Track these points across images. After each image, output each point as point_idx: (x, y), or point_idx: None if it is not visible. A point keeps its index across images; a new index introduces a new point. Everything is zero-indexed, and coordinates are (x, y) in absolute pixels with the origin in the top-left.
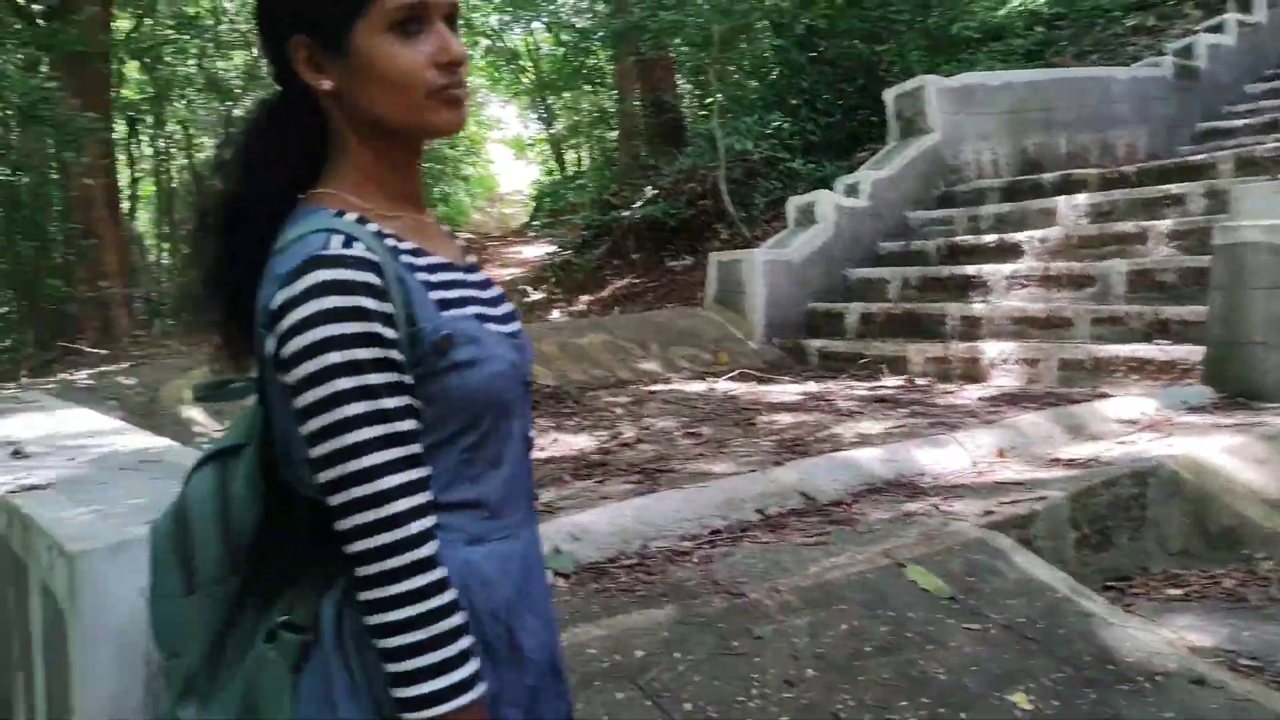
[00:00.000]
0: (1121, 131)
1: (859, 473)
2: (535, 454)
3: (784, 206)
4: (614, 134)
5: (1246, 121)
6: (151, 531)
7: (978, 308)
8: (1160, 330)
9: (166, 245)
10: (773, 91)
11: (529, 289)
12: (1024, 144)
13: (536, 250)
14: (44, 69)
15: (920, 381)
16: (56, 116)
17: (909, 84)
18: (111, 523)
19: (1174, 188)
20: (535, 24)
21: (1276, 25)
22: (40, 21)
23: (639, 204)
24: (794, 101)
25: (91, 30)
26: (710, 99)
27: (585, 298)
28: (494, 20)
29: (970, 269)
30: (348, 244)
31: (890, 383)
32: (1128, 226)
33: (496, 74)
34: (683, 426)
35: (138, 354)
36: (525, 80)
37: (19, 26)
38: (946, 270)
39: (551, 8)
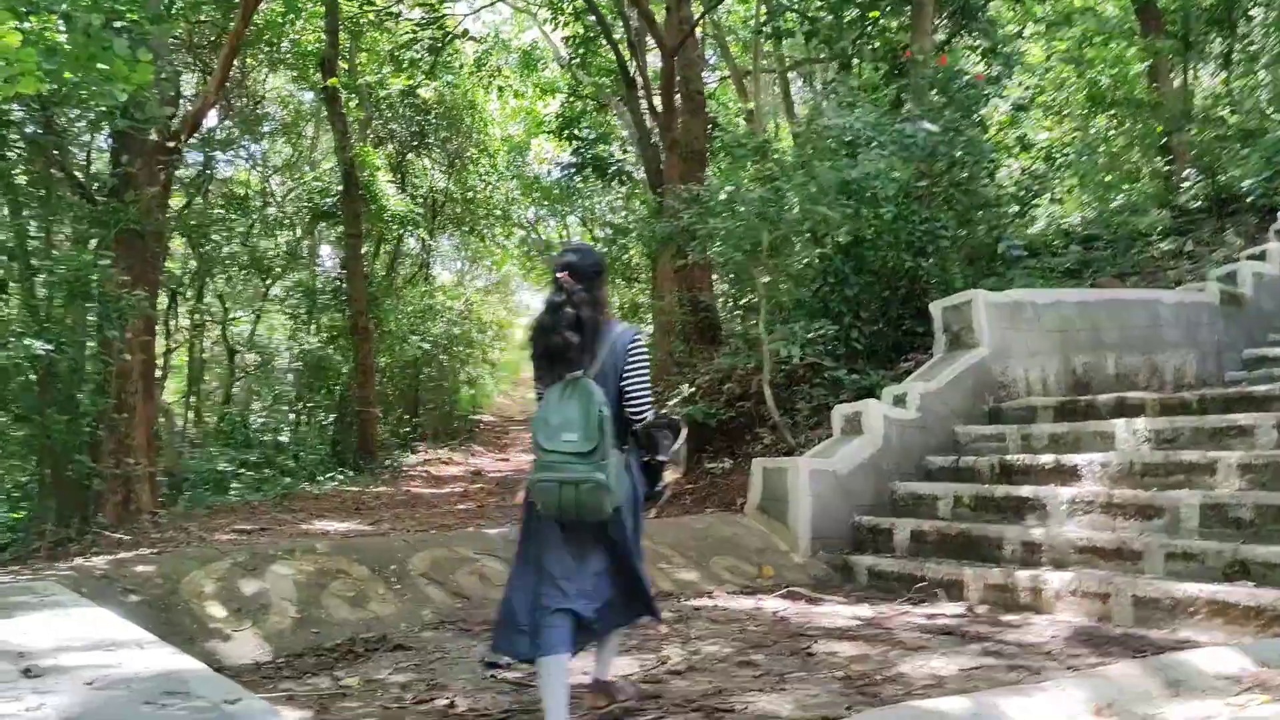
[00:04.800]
0: (1170, 355)
1: None
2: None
3: (826, 414)
4: (648, 329)
5: None
6: (600, 418)
7: (1037, 533)
8: (1240, 571)
9: (193, 415)
10: (816, 298)
11: None
12: (1073, 363)
13: None
14: (93, 244)
15: (980, 610)
16: (105, 293)
17: (957, 297)
18: None
19: (1241, 418)
20: (570, 218)
21: None
22: (99, 199)
23: (674, 401)
24: (838, 309)
25: (148, 209)
26: (745, 300)
27: None
28: (531, 213)
29: (1026, 490)
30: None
31: (949, 610)
32: (1193, 456)
33: (529, 263)
34: (736, 653)
35: (158, 537)
36: None
37: (76, 202)
38: (1001, 490)
39: (586, 204)
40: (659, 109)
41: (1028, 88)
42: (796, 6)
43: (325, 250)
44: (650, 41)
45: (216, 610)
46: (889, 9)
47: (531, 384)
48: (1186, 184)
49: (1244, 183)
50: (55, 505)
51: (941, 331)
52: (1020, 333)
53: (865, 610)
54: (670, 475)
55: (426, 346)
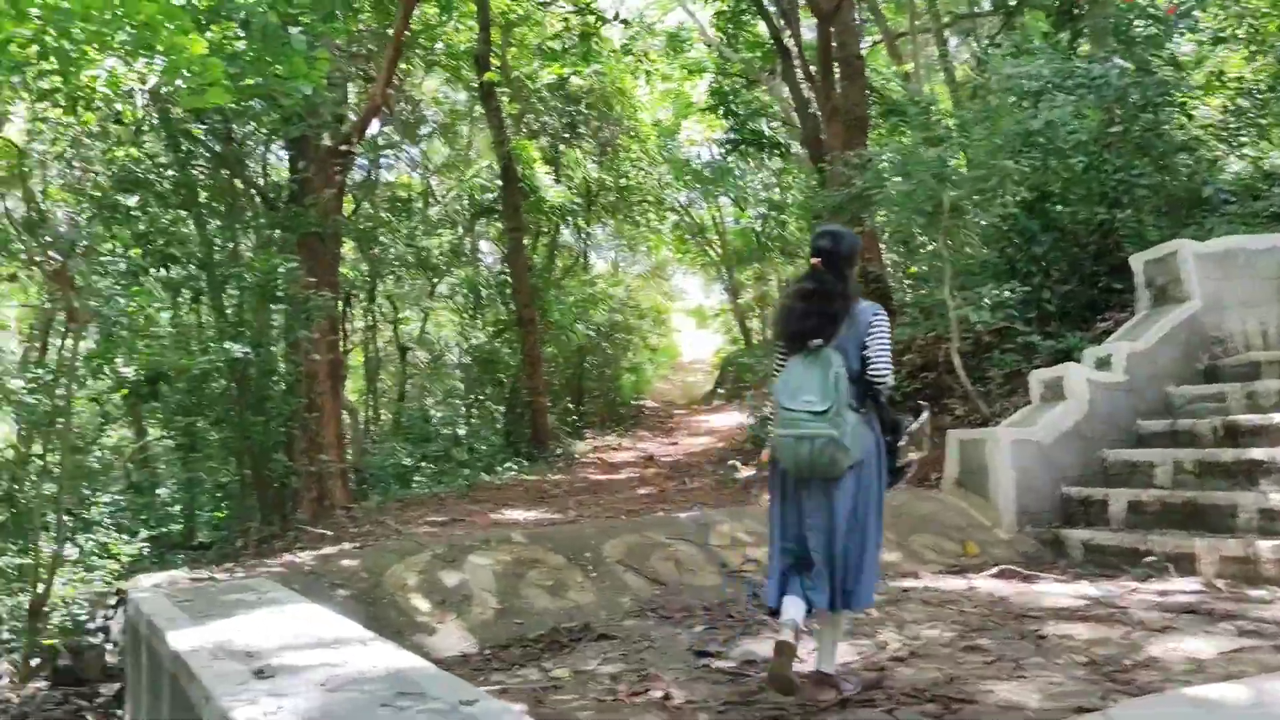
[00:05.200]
0: None
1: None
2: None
3: (1020, 381)
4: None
5: None
6: (837, 378)
7: (1277, 498)
8: None
9: (371, 413)
10: (1003, 259)
11: (738, 464)
12: None
13: (724, 419)
14: (276, 249)
15: (1219, 584)
16: (293, 295)
17: (1160, 249)
18: None
19: None
20: (723, 199)
21: None
22: (280, 206)
23: None
24: (1026, 269)
25: (326, 212)
26: (913, 269)
27: None
28: (683, 196)
29: (1259, 453)
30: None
31: (1183, 586)
32: None
33: (683, 247)
34: (958, 637)
35: (355, 532)
36: (711, 253)
37: (259, 209)
38: (1229, 454)
39: (740, 183)
40: (815, 78)
41: (1225, 19)
42: None
43: (485, 246)
44: (801, 12)
45: (420, 603)
46: None
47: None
48: None
49: None
50: (257, 504)
51: (1144, 287)
52: (1233, 283)
53: (1088, 588)
54: (914, 454)
55: (592, 334)
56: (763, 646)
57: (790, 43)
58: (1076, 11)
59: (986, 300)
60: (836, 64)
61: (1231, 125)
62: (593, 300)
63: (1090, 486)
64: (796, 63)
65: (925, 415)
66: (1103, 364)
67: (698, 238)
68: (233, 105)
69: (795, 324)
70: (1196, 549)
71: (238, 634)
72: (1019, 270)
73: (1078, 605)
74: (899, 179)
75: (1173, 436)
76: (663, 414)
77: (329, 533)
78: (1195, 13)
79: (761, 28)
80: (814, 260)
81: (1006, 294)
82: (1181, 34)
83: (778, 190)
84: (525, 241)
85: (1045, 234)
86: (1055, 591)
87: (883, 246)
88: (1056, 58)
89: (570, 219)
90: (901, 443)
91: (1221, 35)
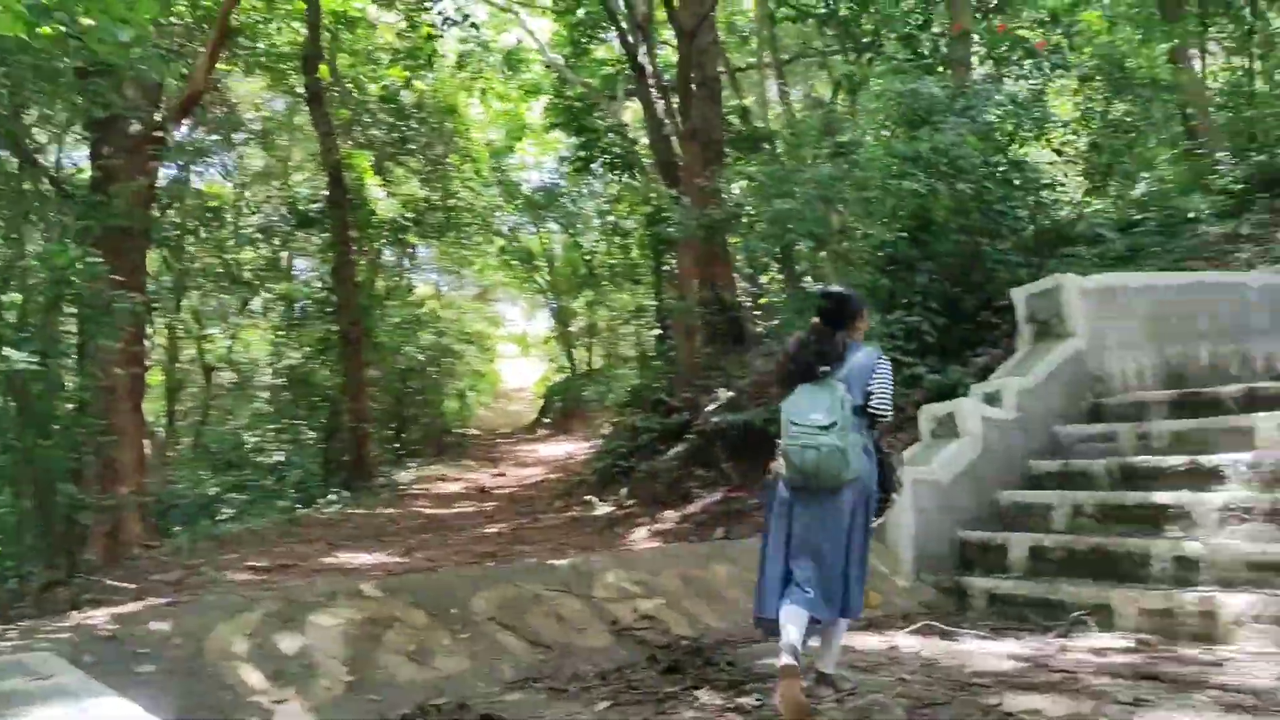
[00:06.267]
0: (1259, 342)
1: None
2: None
3: (902, 415)
4: (653, 331)
5: None
6: (842, 400)
7: (1192, 547)
8: None
9: (170, 439)
10: (882, 289)
11: (593, 500)
12: (1166, 353)
13: (553, 449)
14: (71, 244)
15: (1152, 641)
16: (93, 296)
17: (1042, 283)
18: None
19: None
20: (552, 224)
21: None
22: (75, 195)
23: (712, 407)
24: (907, 299)
25: (133, 206)
26: (765, 299)
27: (671, 513)
28: (511, 220)
29: (1164, 497)
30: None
31: (1115, 643)
32: None
33: (510, 271)
34: (909, 715)
35: (163, 580)
36: (539, 279)
37: (52, 197)
38: (1132, 497)
39: (572, 208)
40: (670, 98)
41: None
42: None
43: (304, 264)
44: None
45: (252, 676)
46: None
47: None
48: (1223, 166)
49: None
50: (39, 543)
51: (1025, 321)
52: (1113, 321)
53: (1016, 646)
54: (895, 490)
55: (421, 358)
56: None
57: (645, 60)
58: (935, 47)
59: (872, 330)
60: (695, 85)
61: (1099, 163)
62: (419, 322)
63: (988, 530)
64: (652, 81)
65: (901, 456)
66: (992, 400)
67: (526, 263)
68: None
69: (801, 359)
70: (1114, 601)
71: None
72: (899, 301)
73: (1016, 668)
74: (781, 200)
75: (1067, 478)
76: (486, 443)
77: (129, 585)
78: (1064, 50)
79: (604, 50)
80: (814, 320)
81: (893, 325)
82: (1053, 67)
83: (615, 212)
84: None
85: (925, 263)
86: (984, 650)
87: (735, 275)
88: (939, 80)
89: (400, 235)
90: (896, 474)
91: (1087, 75)
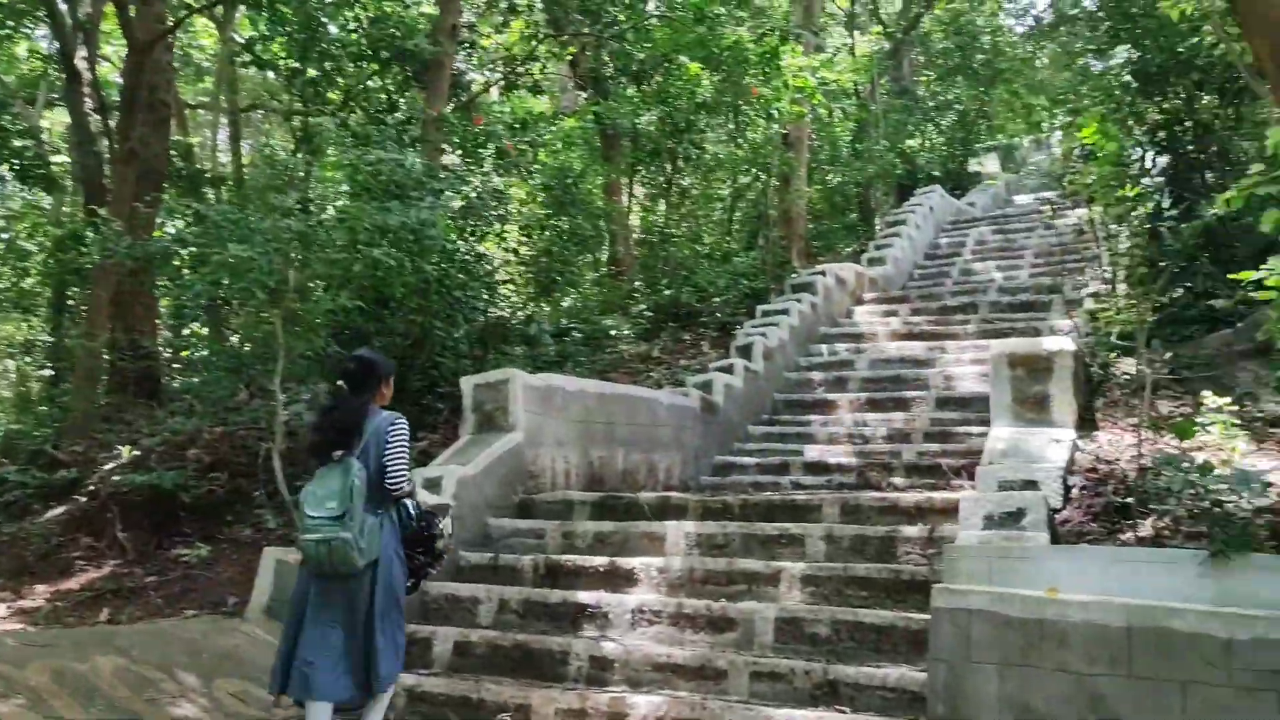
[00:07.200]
0: (663, 454)
1: None
2: None
3: None
4: (43, 370)
5: (759, 460)
6: (353, 489)
7: (609, 647)
8: (830, 694)
9: None
10: (332, 359)
11: None
12: (590, 455)
13: None
14: None
15: None
16: None
17: (492, 375)
18: None
19: (791, 527)
20: None
21: (770, 375)
22: None
23: (110, 466)
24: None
25: None
26: (186, 351)
27: (43, 588)
28: None
29: (585, 596)
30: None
31: None
32: (757, 565)
33: None
34: None
35: None
36: None
37: None
38: (557, 595)
39: None
40: (106, 114)
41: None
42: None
43: None
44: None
45: None
46: (394, 67)
47: None
48: (639, 294)
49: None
50: None
51: (471, 410)
52: (551, 419)
53: None
54: (442, 544)
55: None
56: None
57: (83, 66)
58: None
59: (319, 400)
60: (145, 105)
61: (547, 269)
62: None
63: (414, 623)
64: (88, 90)
65: (450, 509)
66: (432, 486)
67: None
68: None
69: (318, 437)
70: (534, 701)
71: None
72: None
73: None
74: (239, 245)
75: (495, 571)
76: None
77: None
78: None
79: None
80: (339, 382)
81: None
82: (518, 170)
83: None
84: None
85: (379, 338)
86: None
87: (158, 322)
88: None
89: None
90: (441, 531)
91: (546, 184)
